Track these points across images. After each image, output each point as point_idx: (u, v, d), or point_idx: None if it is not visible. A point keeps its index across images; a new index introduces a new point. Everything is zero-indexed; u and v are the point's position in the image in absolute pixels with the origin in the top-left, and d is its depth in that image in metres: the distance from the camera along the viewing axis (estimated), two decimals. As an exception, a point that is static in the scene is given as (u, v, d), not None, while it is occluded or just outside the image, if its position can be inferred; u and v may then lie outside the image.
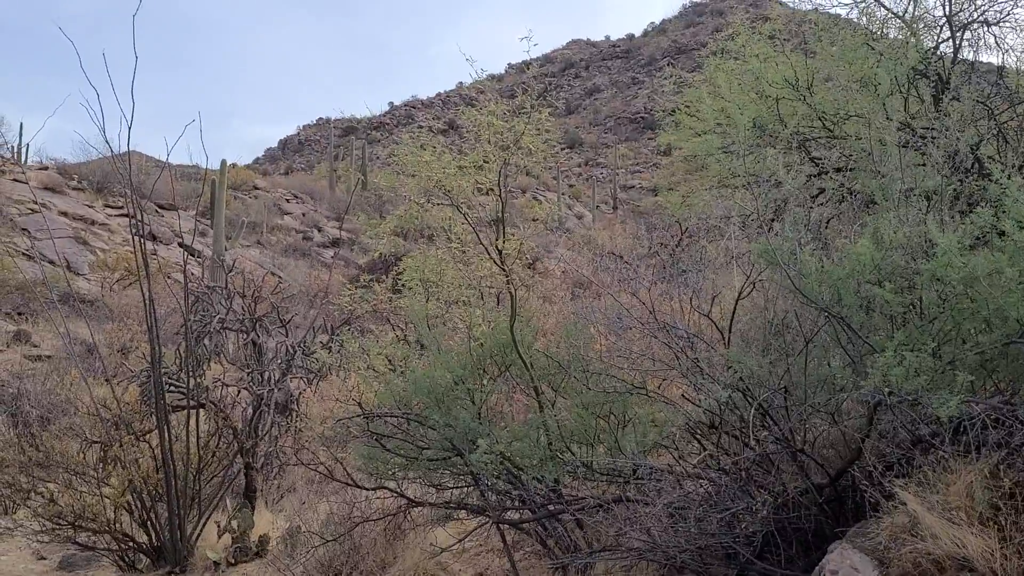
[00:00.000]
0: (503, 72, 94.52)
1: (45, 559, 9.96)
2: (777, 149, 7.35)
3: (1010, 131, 5.88)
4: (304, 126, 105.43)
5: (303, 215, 48.15)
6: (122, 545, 8.54)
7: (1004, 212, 3.71)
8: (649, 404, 5.86)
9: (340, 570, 7.34)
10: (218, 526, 8.92)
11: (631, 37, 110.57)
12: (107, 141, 8.04)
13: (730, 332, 4.88)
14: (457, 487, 6.65)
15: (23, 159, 38.35)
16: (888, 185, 4.62)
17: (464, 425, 5.76)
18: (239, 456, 9.18)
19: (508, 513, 6.26)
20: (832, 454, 4.92)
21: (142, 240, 8.38)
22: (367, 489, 6.79)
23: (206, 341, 8.81)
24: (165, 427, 8.30)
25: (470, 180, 5.72)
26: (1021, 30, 7.17)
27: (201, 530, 8.79)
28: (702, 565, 5.28)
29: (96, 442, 8.91)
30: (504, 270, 5.93)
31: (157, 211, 38.23)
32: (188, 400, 8.55)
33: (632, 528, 5.30)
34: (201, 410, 9.25)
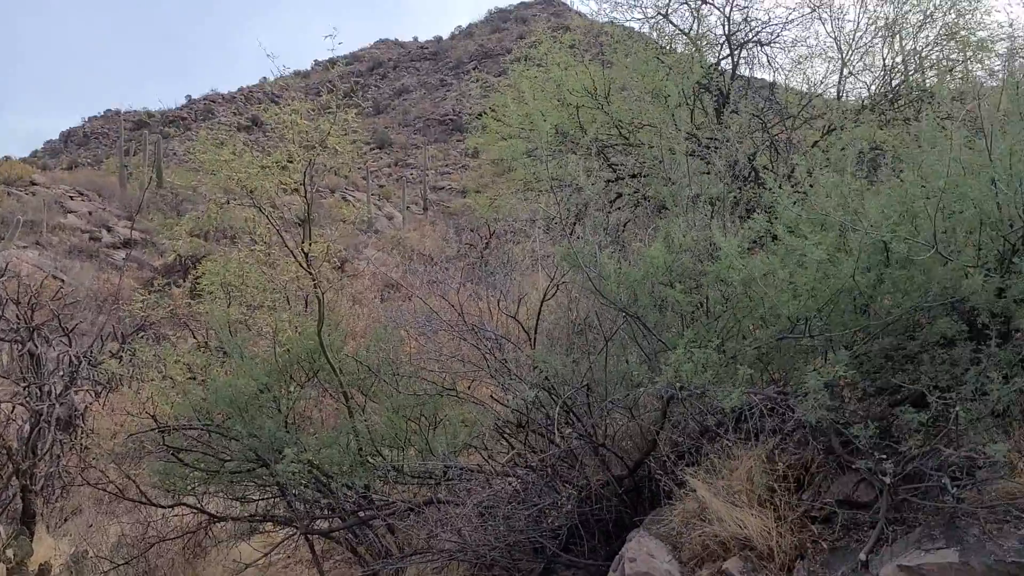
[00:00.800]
0: (309, 69, 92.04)
1: None
2: (578, 155, 7.64)
3: (780, 143, 6.44)
4: (90, 118, 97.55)
5: (90, 214, 44.58)
6: None
7: (776, 218, 4.05)
8: (459, 405, 5.92)
9: (134, 594, 6.89)
10: (-9, 556, 8.08)
11: (439, 39, 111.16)
12: None
13: (536, 333, 5.02)
14: (263, 499, 6.41)
15: None
16: (677, 192, 4.92)
17: (269, 434, 5.56)
18: (14, 478, 8.36)
19: (318, 522, 6.11)
20: (631, 447, 5.18)
21: None
22: (163, 507, 6.40)
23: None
24: (-76, 451, 7.43)
25: (274, 180, 5.53)
26: (789, 50, 7.87)
27: (-31, 562, 7.93)
28: (511, 561, 5.40)
29: None
30: (311, 273, 5.78)
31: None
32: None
33: (443, 530, 5.33)
34: (-32, 430, 8.35)
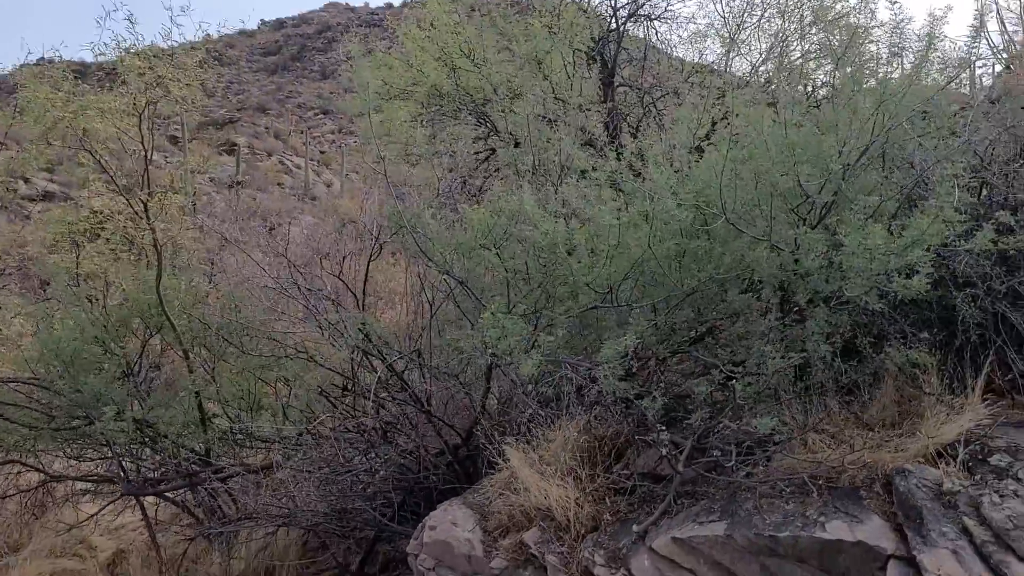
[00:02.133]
0: (256, 28, 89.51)
1: None
2: (458, 120, 7.47)
3: (653, 114, 6.35)
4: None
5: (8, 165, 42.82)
6: None
7: (599, 186, 3.94)
8: (306, 368, 5.74)
9: (-38, 555, 6.57)
10: None
11: (389, 6, 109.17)
12: None
13: (364, 293, 4.85)
14: (99, 459, 6.15)
15: None
16: (520, 157, 4.79)
17: (93, 390, 5.30)
18: None
19: (149, 485, 5.88)
20: (466, 416, 5.07)
21: None
22: (-8, 463, 6.10)
23: None
24: None
25: (107, 124, 5.22)
26: (684, 26, 7.79)
27: None
28: (344, 528, 5.27)
29: None
30: (149, 224, 5.51)
31: None
32: None
33: (277, 495, 5.17)
34: None
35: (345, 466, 4.58)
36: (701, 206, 3.32)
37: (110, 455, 5.91)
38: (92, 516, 5.86)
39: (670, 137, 4.40)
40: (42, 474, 6.20)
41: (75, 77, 5.43)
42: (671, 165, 3.79)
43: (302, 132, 61.31)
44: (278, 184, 47.60)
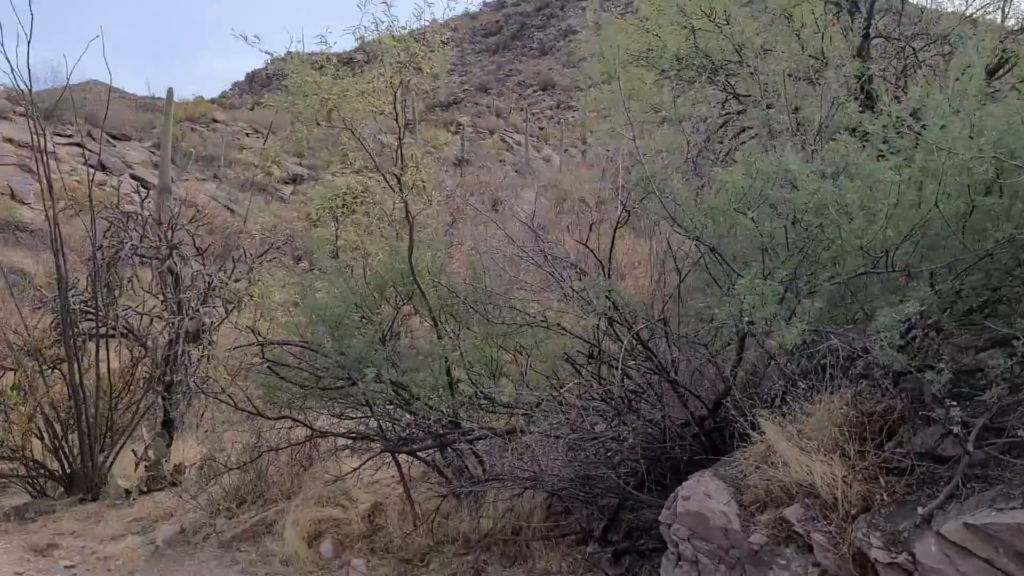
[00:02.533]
0: (478, 10, 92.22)
1: (-41, 485, 9.87)
2: (700, 83, 7.23)
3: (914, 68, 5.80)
4: (274, 59, 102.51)
5: (263, 149, 47.11)
6: (32, 472, 8.45)
7: (869, 142, 3.64)
8: (548, 336, 5.83)
9: (245, 498, 7.32)
10: (135, 455, 8.84)
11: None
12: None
13: (610, 262, 4.81)
14: (358, 418, 6.61)
15: (-29, 84, 36.99)
16: (775, 116, 4.54)
17: (356, 353, 5.68)
18: (155, 385, 9.06)
19: (404, 444, 6.23)
20: (711, 387, 4.92)
21: (46, 162, 8.12)
22: (269, 419, 6.73)
23: (119, 268, 8.60)
24: (74, 355, 8.15)
25: (368, 103, 5.54)
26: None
27: (115, 459, 8.71)
28: (588, 495, 5.31)
29: (9, 369, 8.74)
30: (403, 198, 5.80)
31: (109, 141, 37.33)
32: (98, 328, 8.38)
33: (522, 458, 5.31)
34: (117, 338, 9.10)
35: (592, 432, 4.59)
36: (1000, 157, 2.95)
37: (369, 415, 6.32)
38: (355, 470, 6.31)
39: (949, 86, 3.97)
40: (309, 430, 6.75)
41: (338, 63, 5.80)
42: (956, 114, 3.41)
43: (522, 109, 62.43)
44: (500, 161, 48.87)
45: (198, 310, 8.58)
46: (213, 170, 40.31)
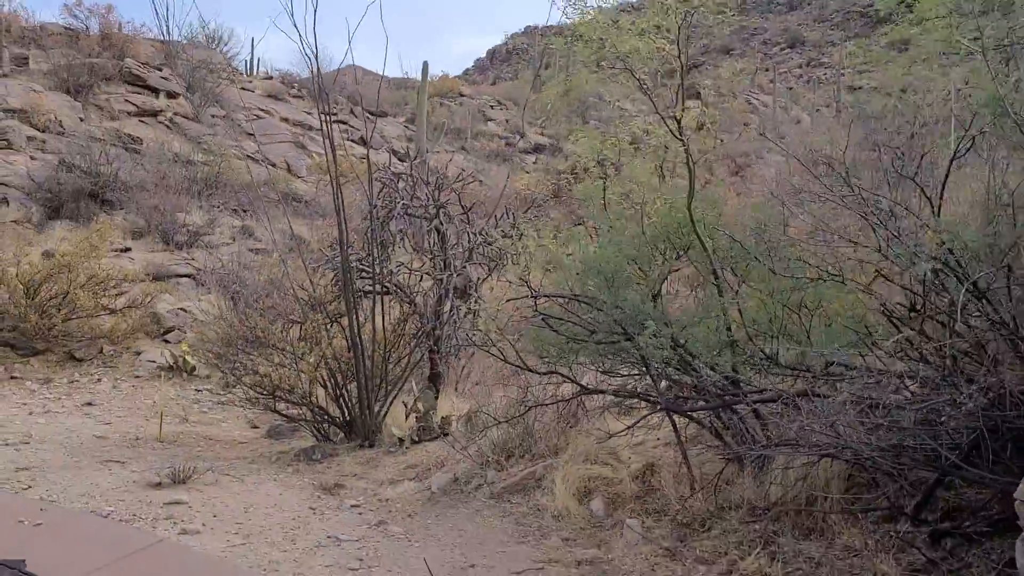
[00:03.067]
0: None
1: (257, 428, 10.87)
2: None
3: None
4: (512, 35, 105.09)
5: (506, 121, 48.45)
6: (317, 417, 9.07)
7: None
8: (844, 292, 5.26)
9: (512, 452, 7.37)
10: (405, 406, 9.25)
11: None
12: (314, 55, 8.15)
13: (941, 198, 4.17)
14: (630, 375, 6.39)
15: (254, 71, 41.03)
16: None
17: (633, 306, 5.43)
18: (424, 340, 9.39)
19: (681, 403, 5.92)
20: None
21: (330, 135, 8.57)
22: (539, 374, 6.68)
23: (391, 226, 8.95)
24: (353, 309, 8.60)
25: (647, 42, 5.22)
26: None
27: (388, 409, 9.14)
28: (896, 467, 4.72)
29: (296, 322, 9.43)
30: (682, 141, 5.44)
31: (369, 118, 39.91)
32: (375, 284, 8.79)
33: (816, 422, 4.82)
34: (388, 295, 9.53)
35: (920, 397, 4.02)
36: None
37: (641, 372, 6.07)
38: (628, 428, 6.10)
39: None
40: (578, 386, 6.62)
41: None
42: None
43: (767, 69, 59.54)
44: (744, 124, 46.82)
45: (464, 266, 8.75)
46: (461, 142, 42.04)
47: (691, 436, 6.60)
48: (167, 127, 26.27)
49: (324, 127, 8.94)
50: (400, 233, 8.93)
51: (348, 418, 9.04)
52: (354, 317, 8.58)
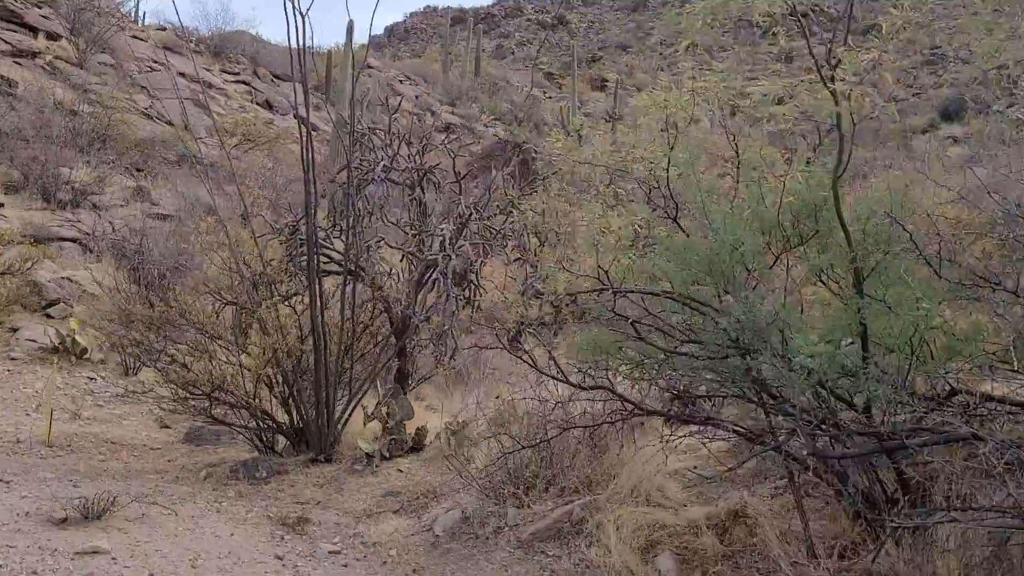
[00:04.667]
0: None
1: (169, 428, 8.92)
2: None
3: None
4: (411, 14, 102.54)
5: (416, 97, 46.55)
6: (260, 423, 7.30)
7: None
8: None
9: (533, 483, 5.87)
10: (365, 412, 7.60)
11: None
12: None
13: None
14: (715, 395, 4.99)
15: (139, 22, 37.57)
16: None
17: (763, 314, 4.03)
18: (407, 334, 7.73)
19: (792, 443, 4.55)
20: None
21: (307, 87, 6.80)
22: (584, 388, 5.20)
23: (368, 193, 7.25)
24: (318, 289, 6.88)
25: None
26: None
27: (350, 415, 7.46)
28: None
29: (232, 303, 7.60)
30: (833, 94, 4.07)
31: (273, 80, 37.24)
32: (346, 264, 7.08)
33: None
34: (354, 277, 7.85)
35: None
36: None
37: (755, 400, 4.65)
38: (733, 468, 4.64)
39: None
40: (633, 405, 5.19)
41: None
42: None
43: (661, 69, 59.84)
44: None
45: (463, 246, 7.13)
46: (371, 115, 39.83)
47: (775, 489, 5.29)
48: (47, 71, 23.20)
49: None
50: (379, 202, 7.24)
51: (299, 425, 7.30)
52: (318, 299, 6.85)
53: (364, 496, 6.37)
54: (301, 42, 6.62)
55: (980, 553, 3.92)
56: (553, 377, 5.41)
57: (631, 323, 4.45)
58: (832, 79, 4.12)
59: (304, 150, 6.63)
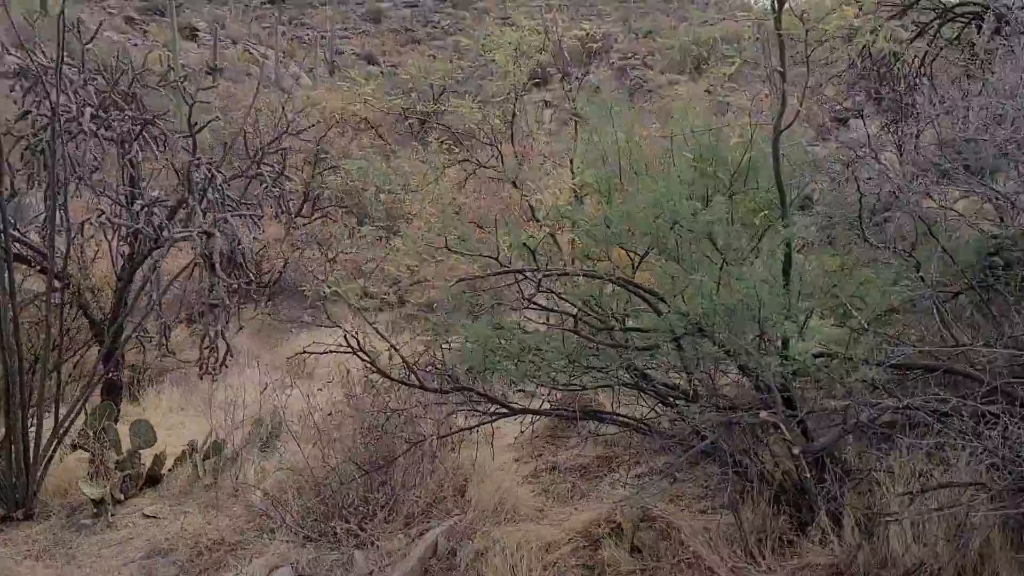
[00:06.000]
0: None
1: None
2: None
3: None
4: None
5: (-19, 40, 38.45)
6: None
7: None
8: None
9: (365, 510, 4.67)
10: (78, 447, 5.66)
11: None
12: None
13: None
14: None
15: None
16: None
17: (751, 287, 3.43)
18: (96, 338, 5.83)
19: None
20: None
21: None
22: (436, 391, 4.19)
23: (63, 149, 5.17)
24: (12, 286, 4.83)
25: None
26: None
27: (54, 450, 5.44)
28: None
29: None
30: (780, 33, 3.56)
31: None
32: (51, 249, 5.05)
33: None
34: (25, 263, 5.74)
35: None
36: None
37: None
38: (664, 475, 3.97)
39: None
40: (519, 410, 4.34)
41: None
42: None
43: (255, 19, 57.39)
44: (247, 75, 44.33)
45: (227, 220, 5.35)
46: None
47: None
48: None
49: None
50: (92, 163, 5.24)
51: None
52: (13, 299, 4.80)
53: (115, 565, 4.62)
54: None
55: (942, 526, 3.78)
56: (406, 384, 4.31)
57: (575, 324, 3.56)
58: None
59: None
